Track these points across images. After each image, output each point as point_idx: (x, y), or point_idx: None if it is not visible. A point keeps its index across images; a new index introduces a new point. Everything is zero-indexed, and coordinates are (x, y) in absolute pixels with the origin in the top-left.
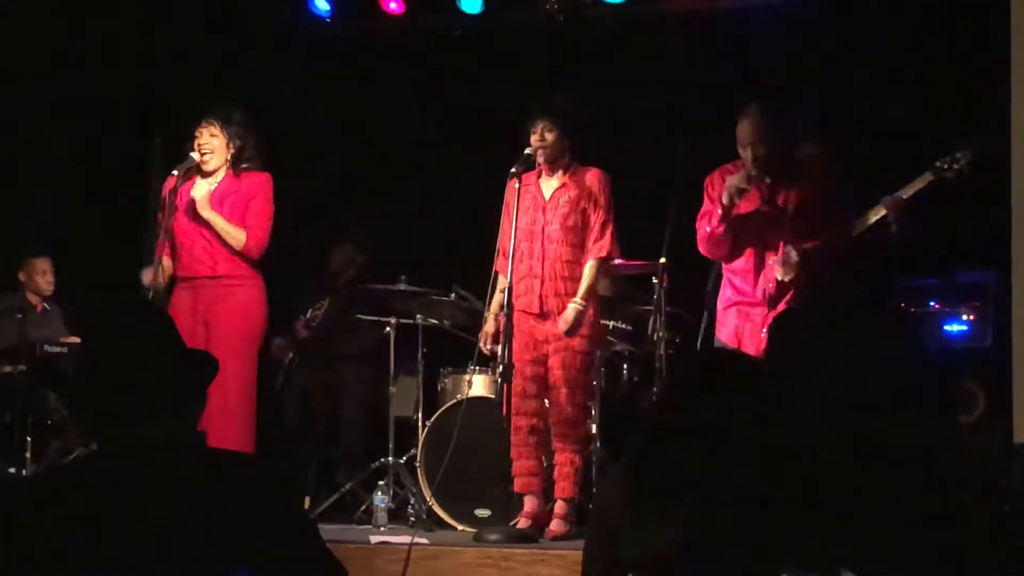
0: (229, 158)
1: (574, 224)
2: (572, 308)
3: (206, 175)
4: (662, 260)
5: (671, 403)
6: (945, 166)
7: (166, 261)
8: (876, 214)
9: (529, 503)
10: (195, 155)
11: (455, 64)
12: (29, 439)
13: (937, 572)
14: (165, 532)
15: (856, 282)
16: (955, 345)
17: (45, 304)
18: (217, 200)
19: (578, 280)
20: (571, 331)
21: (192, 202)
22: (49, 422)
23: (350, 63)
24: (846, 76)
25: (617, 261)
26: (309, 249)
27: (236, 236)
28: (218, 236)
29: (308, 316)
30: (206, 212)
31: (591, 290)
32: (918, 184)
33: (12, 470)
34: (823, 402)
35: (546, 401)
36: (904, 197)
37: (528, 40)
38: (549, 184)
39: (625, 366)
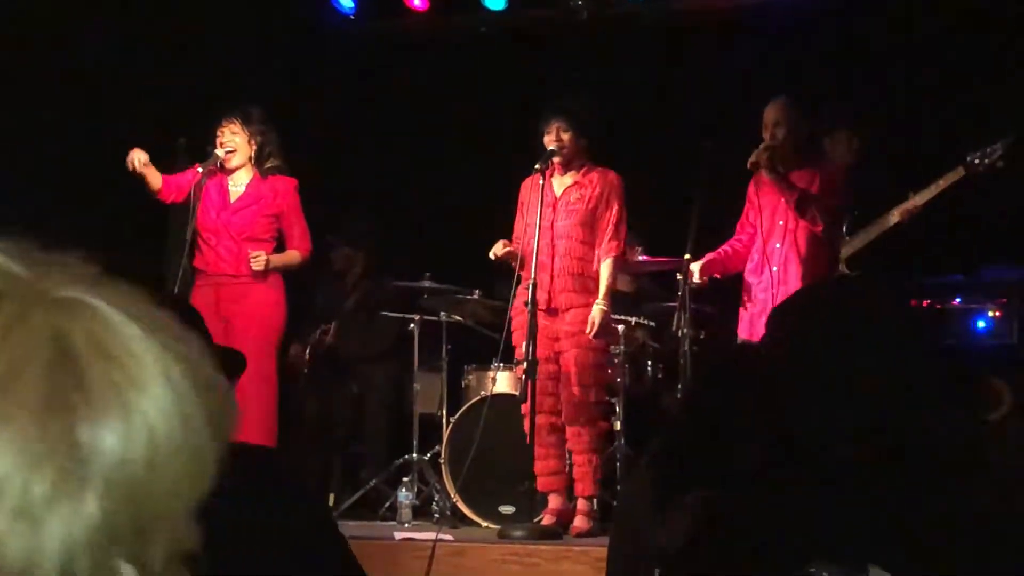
0: (252, 155)
1: (584, 222)
2: (597, 310)
3: (229, 172)
4: (687, 256)
5: (695, 401)
6: (977, 160)
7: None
8: (903, 211)
9: (553, 501)
10: (220, 151)
11: (479, 61)
12: None
13: (963, 569)
14: None
15: (865, 275)
16: (981, 342)
17: None
18: (245, 203)
19: (587, 278)
20: (597, 333)
21: (221, 200)
22: None
23: (374, 59)
24: (873, 70)
25: (642, 258)
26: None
27: (294, 261)
28: (245, 237)
29: (318, 337)
30: (271, 267)
31: (610, 290)
32: (951, 178)
33: None
34: (835, 394)
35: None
36: (936, 193)
37: (552, 37)
38: (561, 182)
39: (649, 363)
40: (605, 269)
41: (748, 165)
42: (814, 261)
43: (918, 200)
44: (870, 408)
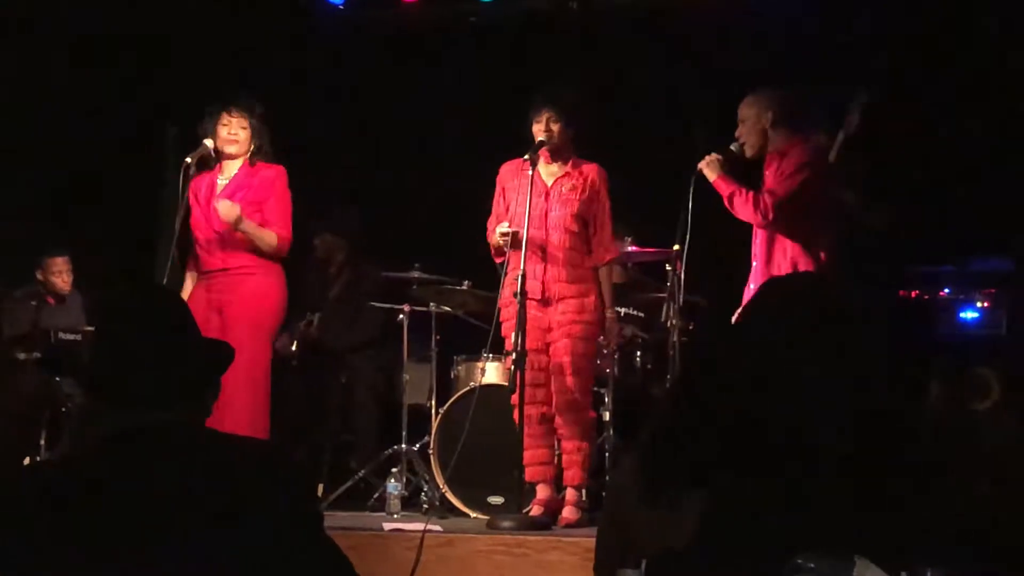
0: (250, 150)
1: (577, 213)
2: (611, 323)
3: (224, 158)
4: (676, 247)
5: (683, 391)
6: (849, 121)
7: (188, 283)
8: None
9: (542, 491)
10: (208, 142)
11: (469, 51)
12: (43, 428)
13: (954, 559)
14: (173, 518)
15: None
16: (970, 332)
17: (64, 296)
18: (231, 192)
19: (578, 268)
20: (592, 328)
21: (208, 195)
22: (64, 409)
23: (364, 50)
24: (863, 63)
25: (631, 248)
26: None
27: (268, 240)
28: (228, 227)
29: (302, 329)
30: (241, 225)
31: (612, 293)
32: (839, 146)
33: (27, 460)
34: (818, 385)
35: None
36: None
37: (542, 27)
38: (549, 171)
39: (639, 353)
40: (605, 273)
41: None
42: (771, 257)
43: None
44: (854, 399)
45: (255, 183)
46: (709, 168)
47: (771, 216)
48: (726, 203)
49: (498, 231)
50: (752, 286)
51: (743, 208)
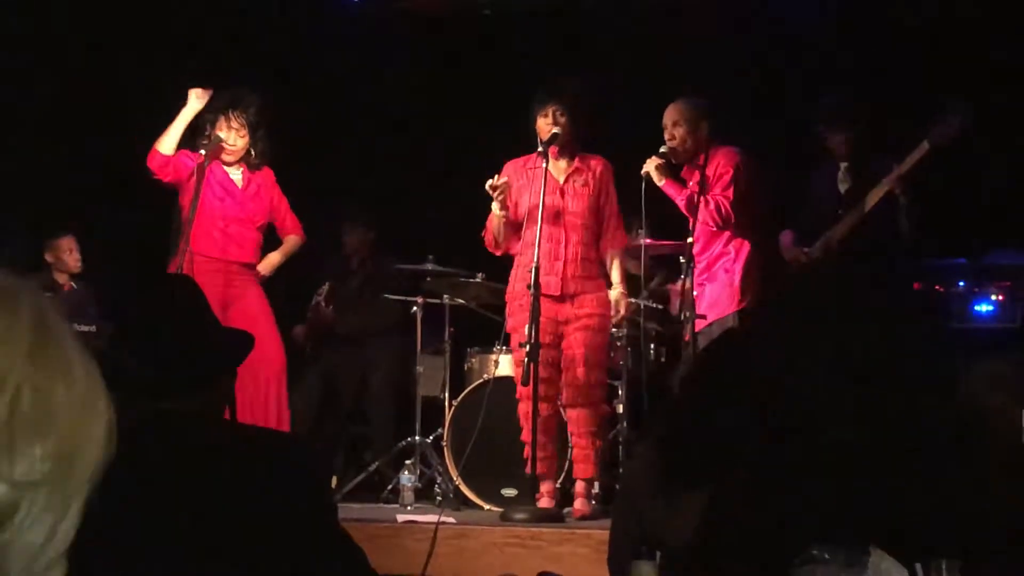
0: (248, 153)
1: (590, 208)
2: (619, 295)
3: (224, 163)
4: (690, 240)
5: (697, 383)
6: (939, 131)
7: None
8: (877, 194)
9: (545, 485)
10: (222, 134)
11: (482, 41)
12: None
13: (966, 549)
14: (187, 506)
15: (864, 264)
16: (984, 325)
17: (73, 283)
18: (252, 191)
19: (593, 262)
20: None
21: (226, 186)
22: None
23: (376, 40)
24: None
25: (646, 240)
26: (326, 231)
27: (296, 247)
28: (258, 226)
29: (313, 303)
30: (278, 264)
31: (624, 276)
32: (916, 155)
33: None
34: (841, 380)
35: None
36: (904, 171)
37: (554, 18)
38: (559, 167)
39: (652, 346)
40: (617, 259)
41: (641, 174)
42: (706, 248)
43: (886, 184)
44: (870, 392)
45: (259, 191)
46: (657, 173)
47: (733, 220)
48: (680, 206)
49: (487, 187)
50: (698, 283)
51: (703, 212)
